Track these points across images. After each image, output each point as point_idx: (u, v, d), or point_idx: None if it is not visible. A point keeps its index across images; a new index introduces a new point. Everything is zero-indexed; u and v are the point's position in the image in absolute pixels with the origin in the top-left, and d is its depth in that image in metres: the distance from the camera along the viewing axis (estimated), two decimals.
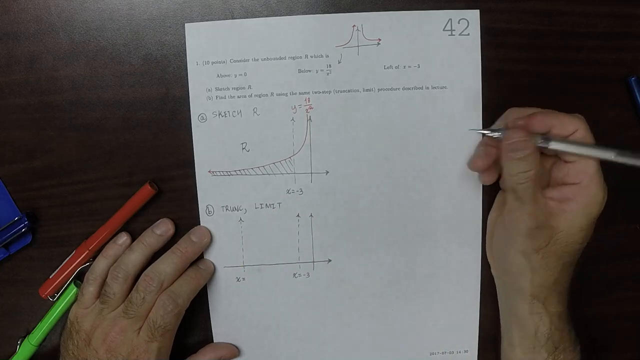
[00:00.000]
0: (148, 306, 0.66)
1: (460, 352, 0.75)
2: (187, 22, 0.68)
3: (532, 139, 0.62)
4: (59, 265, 0.71)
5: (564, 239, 0.63)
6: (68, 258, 0.71)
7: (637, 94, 0.70)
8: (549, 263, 0.63)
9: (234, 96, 0.69)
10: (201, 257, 0.72)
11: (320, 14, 0.68)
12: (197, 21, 0.68)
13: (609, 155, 0.61)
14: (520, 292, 0.66)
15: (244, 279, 0.72)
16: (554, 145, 0.62)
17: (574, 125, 0.62)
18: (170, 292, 0.67)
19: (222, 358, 0.73)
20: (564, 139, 0.62)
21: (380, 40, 0.68)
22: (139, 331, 0.66)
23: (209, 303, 0.73)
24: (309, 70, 0.69)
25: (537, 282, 0.64)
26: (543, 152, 0.64)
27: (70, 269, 0.71)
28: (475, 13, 0.68)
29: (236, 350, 0.74)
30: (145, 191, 0.69)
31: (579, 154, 0.62)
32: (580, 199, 0.62)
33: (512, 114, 0.65)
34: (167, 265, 0.68)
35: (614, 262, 0.74)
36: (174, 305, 0.66)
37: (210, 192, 0.71)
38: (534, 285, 0.64)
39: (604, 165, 0.66)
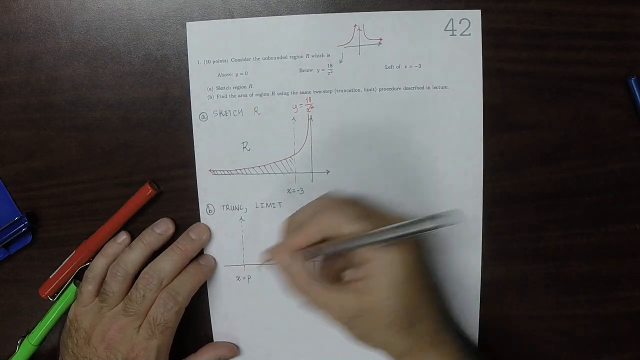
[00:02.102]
0: (148, 304, 0.67)
1: None
2: (187, 22, 0.68)
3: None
4: (59, 265, 0.71)
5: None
6: (68, 258, 0.71)
7: (637, 94, 0.70)
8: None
9: (235, 95, 0.69)
10: (201, 252, 0.72)
11: (321, 13, 0.68)
12: (197, 21, 0.68)
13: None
14: None
15: (244, 278, 0.72)
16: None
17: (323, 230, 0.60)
18: (171, 290, 0.67)
19: (222, 357, 0.73)
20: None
21: (381, 40, 0.68)
22: (138, 329, 0.66)
23: (209, 302, 0.73)
24: (310, 70, 0.69)
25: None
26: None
27: (70, 269, 0.71)
28: (477, 13, 0.68)
29: (236, 349, 0.74)
30: (145, 191, 0.69)
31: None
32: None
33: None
34: (166, 262, 0.68)
35: (614, 262, 0.74)
36: (174, 302, 0.66)
37: (210, 191, 0.71)
38: None
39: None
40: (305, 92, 0.69)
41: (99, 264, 0.69)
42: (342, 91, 0.69)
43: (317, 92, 0.69)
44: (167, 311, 0.66)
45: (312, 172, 0.70)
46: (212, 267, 0.72)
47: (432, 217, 0.51)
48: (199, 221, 0.71)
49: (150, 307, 0.67)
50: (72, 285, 0.71)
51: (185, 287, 0.68)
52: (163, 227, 0.70)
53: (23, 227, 0.70)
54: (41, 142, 0.70)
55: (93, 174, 0.71)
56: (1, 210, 0.71)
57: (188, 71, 0.69)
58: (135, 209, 0.70)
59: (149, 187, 0.69)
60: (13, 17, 0.68)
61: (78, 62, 0.69)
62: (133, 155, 0.71)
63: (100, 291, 0.68)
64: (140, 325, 0.66)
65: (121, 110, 0.70)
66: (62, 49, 0.69)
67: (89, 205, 0.72)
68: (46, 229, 0.72)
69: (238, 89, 0.69)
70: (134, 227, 0.72)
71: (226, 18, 0.68)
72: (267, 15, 0.68)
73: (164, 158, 0.71)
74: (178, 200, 0.72)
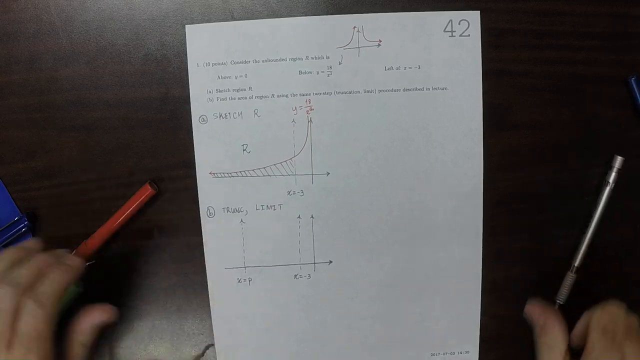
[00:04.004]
0: (7, 317, 0.56)
1: (461, 353, 0.75)
2: (187, 23, 0.68)
3: None
4: None
5: None
6: None
7: (637, 94, 0.70)
8: None
9: (234, 98, 0.69)
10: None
11: (320, 15, 0.68)
12: (197, 21, 0.68)
13: None
14: None
15: (245, 280, 0.72)
16: None
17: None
18: (34, 296, 0.58)
19: (101, 323, 0.65)
20: None
21: (380, 41, 0.68)
22: (8, 349, 0.55)
23: (210, 304, 0.73)
24: (310, 72, 0.69)
25: None
26: None
27: None
28: (476, 14, 0.68)
29: (111, 310, 0.65)
30: (145, 191, 0.69)
31: None
32: None
33: None
34: (22, 268, 0.60)
35: (614, 262, 0.74)
36: (41, 306, 0.57)
37: (211, 194, 0.71)
38: None
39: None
40: (305, 94, 0.69)
41: None
42: (341, 93, 0.69)
43: (316, 94, 0.69)
44: (33, 318, 0.57)
45: (312, 174, 0.70)
46: (78, 267, 0.64)
47: None
48: (200, 221, 0.71)
49: (12, 320, 0.56)
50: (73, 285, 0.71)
51: (49, 290, 0.59)
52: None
53: (23, 227, 0.70)
54: (41, 142, 0.70)
55: (93, 174, 0.71)
56: (1, 210, 0.71)
57: (188, 71, 0.69)
58: (136, 209, 0.70)
59: (149, 187, 0.69)
60: (13, 17, 0.68)
61: (78, 62, 0.69)
62: (133, 155, 0.71)
63: None
64: (8, 344, 0.55)
65: (121, 110, 0.70)
66: (62, 49, 0.69)
67: (89, 205, 0.72)
68: (46, 229, 0.72)
69: (238, 91, 0.69)
70: (134, 227, 0.72)
71: (226, 18, 0.68)
72: (267, 16, 0.68)
73: (164, 158, 0.71)
74: (178, 201, 0.72)
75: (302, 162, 0.70)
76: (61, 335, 0.62)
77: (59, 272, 0.61)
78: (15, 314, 0.56)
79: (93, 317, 0.64)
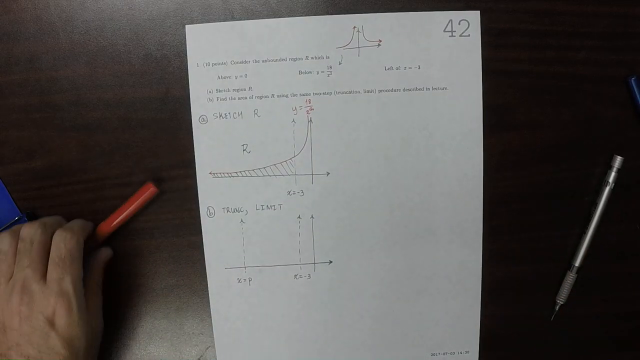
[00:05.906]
0: (39, 247, 0.63)
1: (461, 353, 0.75)
2: (187, 23, 0.68)
3: None
4: None
5: None
6: None
7: (637, 94, 0.70)
8: None
9: (234, 98, 0.69)
10: (199, 254, 0.72)
11: (320, 15, 0.68)
12: (197, 21, 0.68)
13: None
14: None
15: (245, 280, 0.72)
16: None
17: None
18: (63, 228, 0.65)
19: (107, 261, 0.72)
20: None
21: (380, 41, 0.68)
22: (43, 280, 0.62)
23: (210, 304, 0.73)
24: (310, 72, 0.69)
25: None
26: None
27: None
28: (476, 14, 0.68)
29: (109, 249, 0.72)
30: (148, 190, 0.69)
31: None
32: None
33: None
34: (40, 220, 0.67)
35: (614, 262, 0.74)
36: (72, 233, 0.64)
37: (211, 194, 0.71)
38: None
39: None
40: (305, 94, 0.69)
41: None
42: (341, 93, 0.69)
43: (316, 94, 0.69)
44: (68, 241, 0.63)
45: (312, 174, 0.70)
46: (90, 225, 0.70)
47: None
48: (200, 221, 0.71)
49: (44, 251, 0.63)
50: None
51: (75, 223, 0.67)
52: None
53: None
54: (41, 142, 0.70)
55: (93, 174, 0.71)
56: (1, 210, 0.71)
57: (188, 71, 0.69)
58: (137, 208, 0.70)
59: (152, 186, 0.69)
60: (13, 17, 0.68)
61: (78, 62, 0.69)
62: (133, 155, 0.71)
63: None
64: (42, 276, 0.62)
65: (121, 110, 0.70)
66: (62, 49, 0.69)
67: (89, 205, 0.72)
68: None
69: (238, 91, 0.69)
70: (134, 226, 0.72)
71: (226, 18, 0.68)
72: (267, 16, 0.68)
73: (164, 158, 0.71)
74: (178, 200, 0.72)
75: (302, 162, 0.70)
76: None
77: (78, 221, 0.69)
78: (47, 245, 0.64)
79: (102, 258, 0.70)
